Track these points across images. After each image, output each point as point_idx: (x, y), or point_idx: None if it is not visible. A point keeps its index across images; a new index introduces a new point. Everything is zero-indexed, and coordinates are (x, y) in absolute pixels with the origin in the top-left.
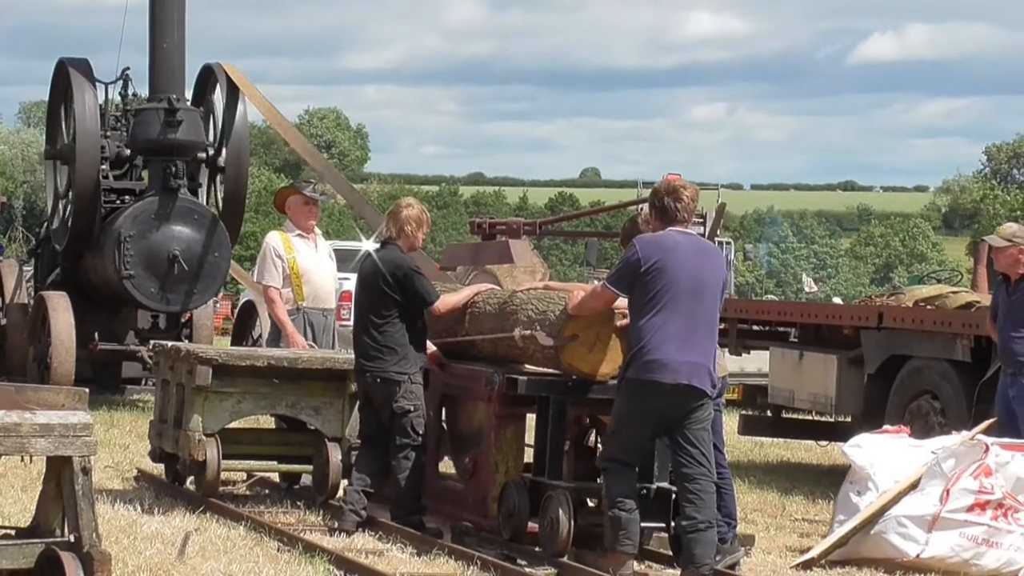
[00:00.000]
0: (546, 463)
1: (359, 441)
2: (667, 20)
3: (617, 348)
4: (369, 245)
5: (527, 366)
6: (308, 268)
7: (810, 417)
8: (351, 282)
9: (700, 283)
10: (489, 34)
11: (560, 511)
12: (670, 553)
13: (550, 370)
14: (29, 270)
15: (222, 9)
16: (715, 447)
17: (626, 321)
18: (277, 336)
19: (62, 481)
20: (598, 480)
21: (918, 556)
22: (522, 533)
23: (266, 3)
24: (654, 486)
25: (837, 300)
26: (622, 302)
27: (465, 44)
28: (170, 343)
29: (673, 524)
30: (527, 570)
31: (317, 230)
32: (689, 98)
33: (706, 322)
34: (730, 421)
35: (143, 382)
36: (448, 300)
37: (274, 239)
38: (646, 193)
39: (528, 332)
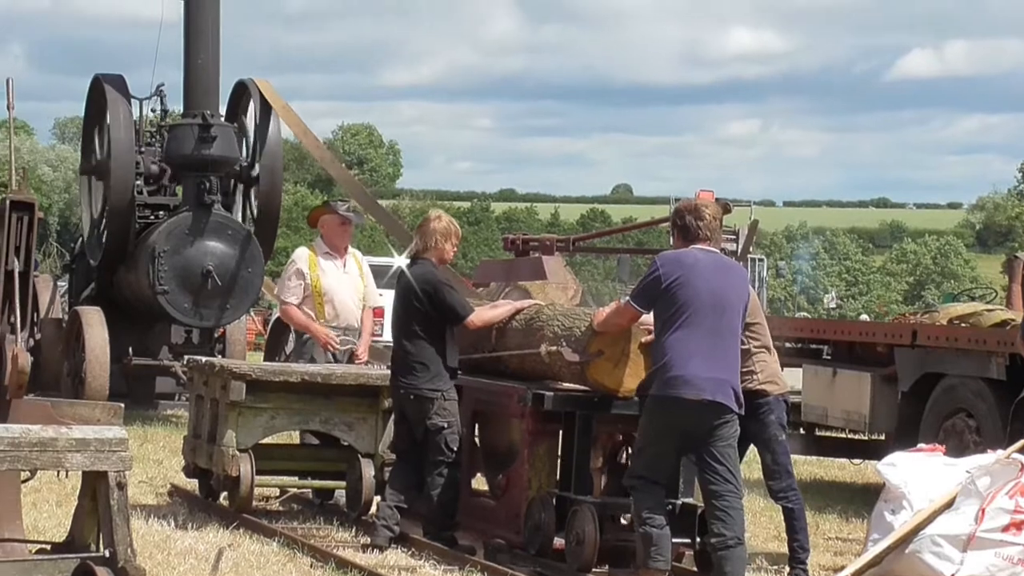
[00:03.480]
0: (572, 478)
1: (392, 457)
2: (703, 36)
3: (642, 364)
4: (402, 261)
5: (559, 382)
6: (331, 287)
7: (844, 435)
8: (383, 298)
9: (722, 300)
10: (524, 49)
11: (586, 526)
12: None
13: (578, 386)
14: (63, 285)
15: (258, 25)
16: (786, 469)
17: (651, 337)
18: (300, 351)
19: (97, 496)
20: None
21: None
22: (548, 548)
23: (302, 19)
24: (679, 502)
25: (864, 318)
26: (647, 318)
27: (500, 60)
28: (204, 358)
29: (701, 540)
30: None
31: (352, 249)
32: (724, 114)
33: (729, 339)
34: None
35: (176, 397)
36: (485, 315)
37: (300, 256)
38: None
39: (554, 348)
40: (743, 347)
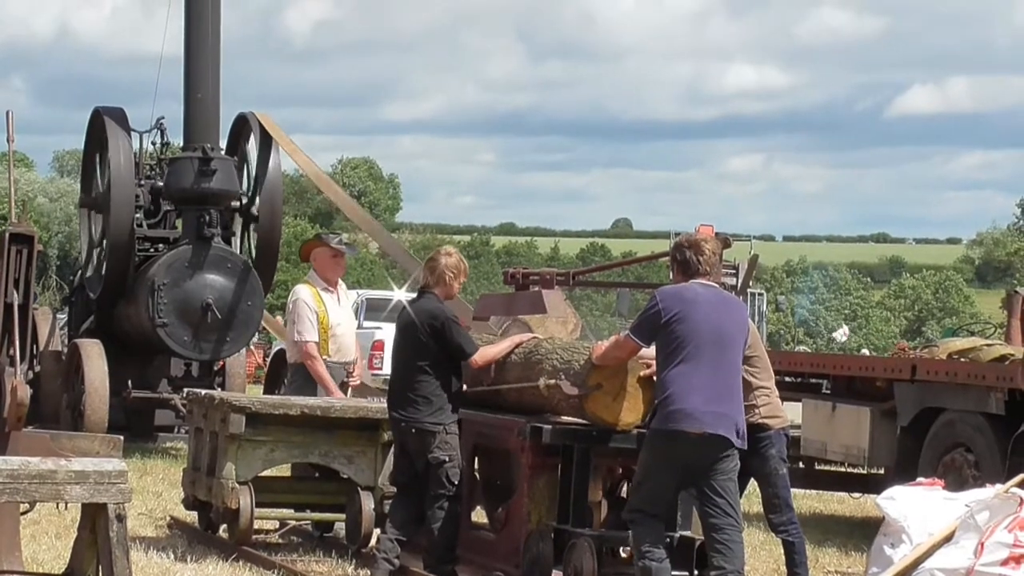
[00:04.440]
0: (571, 511)
1: (392, 490)
2: (706, 72)
3: (640, 398)
4: (400, 294)
5: (558, 416)
6: (335, 322)
7: (843, 469)
8: (383, 331)
9: (722, 334)
10: (527, 86)
11: (584, 559)
12: None
13: (577, 419)
14: (63, 318)
15: (260, 60)
16: (787, 502)
17: (650, 371)
18: (299, 386)
19: (97, 528)
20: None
21: None
22: None
23: (305, 55)
24: (677, 535)
25: (865, 352)
26: (647, 351)
27: (503, 96)
28: (203, 391)
29: (700, 573)
30: None
31: (340, 281)
32: (726, 149)
33: (729, 373)
34: None
35: (176, 430)
36: (487, 352)
37: (305, 294)
38: None
39: (553, 381)
40: (745, 380)
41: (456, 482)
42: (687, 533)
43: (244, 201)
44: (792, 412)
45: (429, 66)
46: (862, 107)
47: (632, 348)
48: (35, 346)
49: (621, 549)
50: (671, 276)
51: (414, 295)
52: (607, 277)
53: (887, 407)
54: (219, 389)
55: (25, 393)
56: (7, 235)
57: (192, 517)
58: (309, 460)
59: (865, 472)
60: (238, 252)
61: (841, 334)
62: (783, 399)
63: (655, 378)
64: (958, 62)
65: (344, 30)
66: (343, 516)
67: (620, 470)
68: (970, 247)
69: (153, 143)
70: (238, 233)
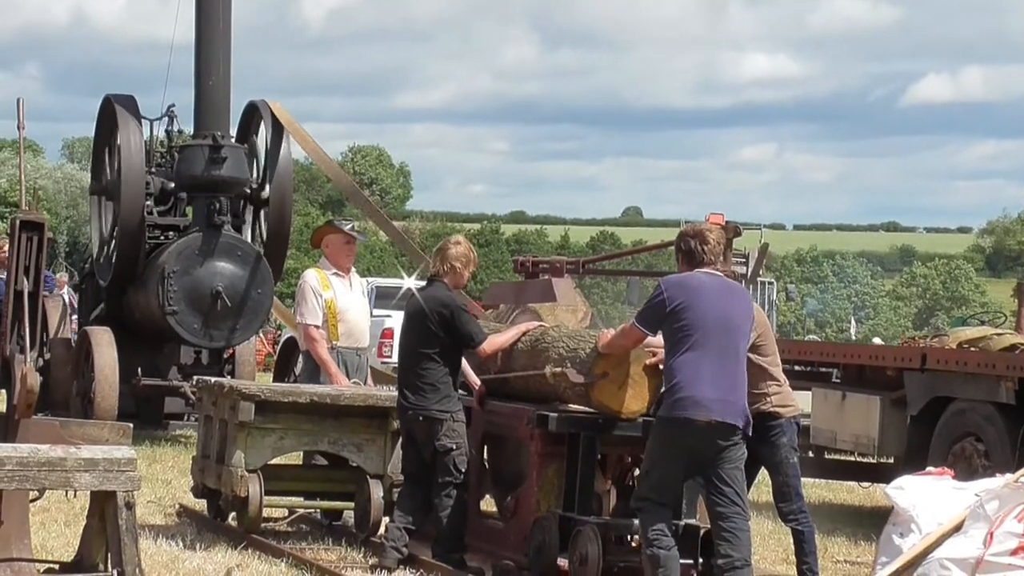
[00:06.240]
0: (576, 499)
1: (401, 478)
2: (718, 61)
3: (646, 386)
4: (410, 282)
5: (567, 404)
6: (344, 307)
7: (852, 458)
8: (392, 319)
9: (728, 322)
10: (540, 74)
11: (589, 546)
12: None
13: (583, 408)
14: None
15: (272, 48)
16: (797, 491)
17: (656, 359)
18: (311, 373)
19: (106, 516)
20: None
21: None
22: (552, 569)
23: (317, 43)
24: (682, 523)
25: (877, 341)
26: (655, 340)
27: (516, 84)
28: (213, 379)
29: (707, 562)
30: None
31: (352, 268)
32: (738, 138)
33: (735, 361)
34: None
35: (185, 417)
36: (495, 341)
37: (312, 277)
38: None
39: (559, 370)
40: (756, 367)
41: (463, 470)
42: (692, 521)
43: (255, 188)
44: (802, 401)
45: (441, 54)
46: (875, 96)
47: (638, 337)
48: (45, 333)
49: (628, 537)
50: (677, 266)
51: (423, 283)
52: (617, 265)
53: (897, 396)
54: (229, 377)
55: (35, 380)
56: (17, 222)
57: (201, 505)
58: (318, 448)
59: (875, 461)
60: (248, 240)
61: (853, 331)
62: (793, 388)
63: (661, 366)
64: (972, 51)
65: (356, 18)
66: (352, 504)
67: (629, 458)
68: (981, 236)
69: (165, 130)
70: (248, 221)
